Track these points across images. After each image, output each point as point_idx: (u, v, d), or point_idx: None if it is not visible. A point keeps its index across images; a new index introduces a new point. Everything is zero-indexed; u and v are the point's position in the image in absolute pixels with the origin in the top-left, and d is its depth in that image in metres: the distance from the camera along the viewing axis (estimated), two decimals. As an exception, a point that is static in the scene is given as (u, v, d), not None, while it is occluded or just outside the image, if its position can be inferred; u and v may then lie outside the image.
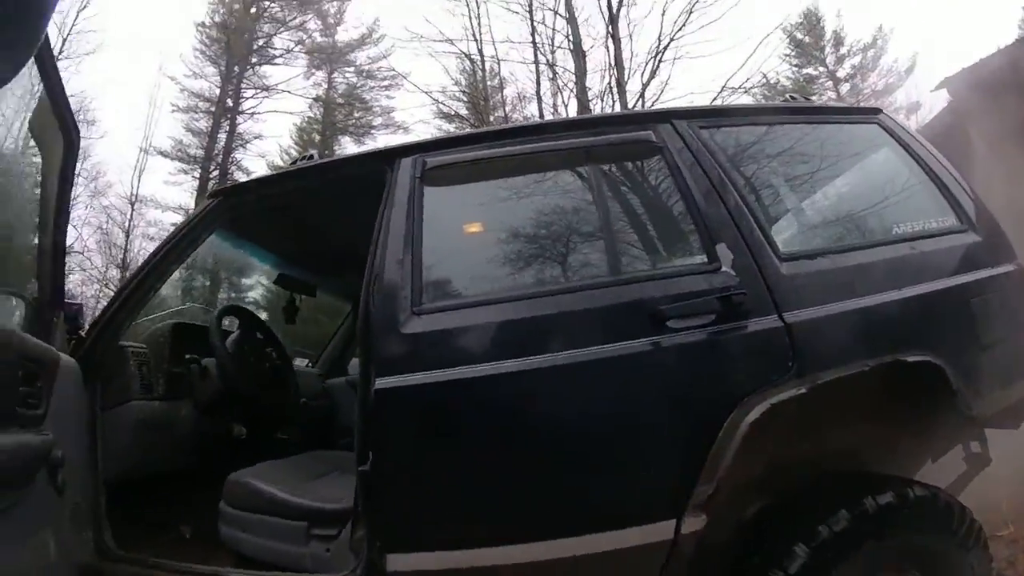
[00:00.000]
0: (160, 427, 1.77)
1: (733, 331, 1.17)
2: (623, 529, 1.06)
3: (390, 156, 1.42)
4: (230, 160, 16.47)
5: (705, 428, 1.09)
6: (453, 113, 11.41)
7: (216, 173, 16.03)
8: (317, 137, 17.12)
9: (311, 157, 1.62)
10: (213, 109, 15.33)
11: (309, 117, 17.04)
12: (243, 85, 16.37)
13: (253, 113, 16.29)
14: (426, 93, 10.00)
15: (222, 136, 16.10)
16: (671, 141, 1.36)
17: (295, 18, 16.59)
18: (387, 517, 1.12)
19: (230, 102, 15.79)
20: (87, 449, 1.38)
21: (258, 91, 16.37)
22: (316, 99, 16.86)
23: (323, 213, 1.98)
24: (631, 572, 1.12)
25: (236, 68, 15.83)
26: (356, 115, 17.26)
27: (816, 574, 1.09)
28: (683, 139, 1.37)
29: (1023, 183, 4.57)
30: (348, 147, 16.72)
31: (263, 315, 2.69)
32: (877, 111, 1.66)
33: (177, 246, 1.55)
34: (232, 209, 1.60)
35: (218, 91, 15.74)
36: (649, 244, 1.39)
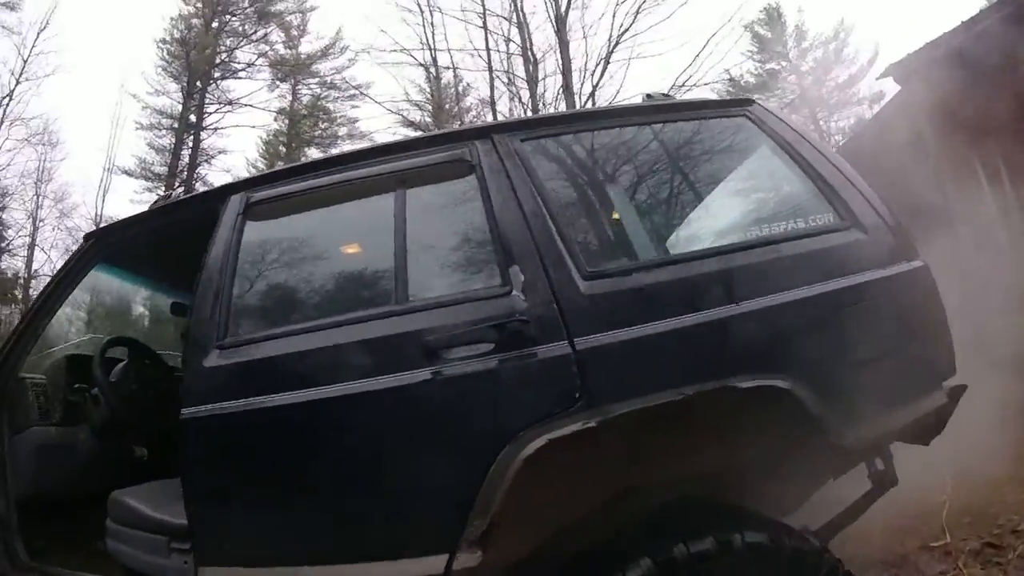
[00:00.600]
0: (61, 450, 1.90)
1: (511, 360, 1.10)
2: (397, 560, 1.06)
3: (223, 193, 1.49)
4: (195, 176, 16.32)
5: (478, 463, 1.05)
6: (417, 122, 11.50)
7: (181, 189, 15.86)
8: (283, 149, 17.08)
9: (168, 196, 1.75)
10: (176, 125, 15.18)
11: (274, 130, 17.02)
12: (206, 100, 16.22)
13: (216, 128, 16.16)
14: (379, 103, 10.02)
15: (186, 152, 15.97)
16: (487, 158, 1.34)
17: (257, 31, 16.49)
18: (198, 533, 1.19)
19: (193, 118, 15.63)
20: None
21: (221, 105, 16.23)
22: (280, 111, 16.78)
23: (184, 246, 2.07)
24: None
25: (198, 83, 15.67)
26: (321, 126, 17.25)
27: None
28: (499, 155, 1.34)
29: (966, 169, 4.72)
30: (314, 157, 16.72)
31: (161, 341, 2.73)
32: (748, 102, 1.54)
33: (59, 286, 1.69)
34: (107, 248, 1.73)
35: (180, 107, 15.60)
36: (449, 270, 1.36)
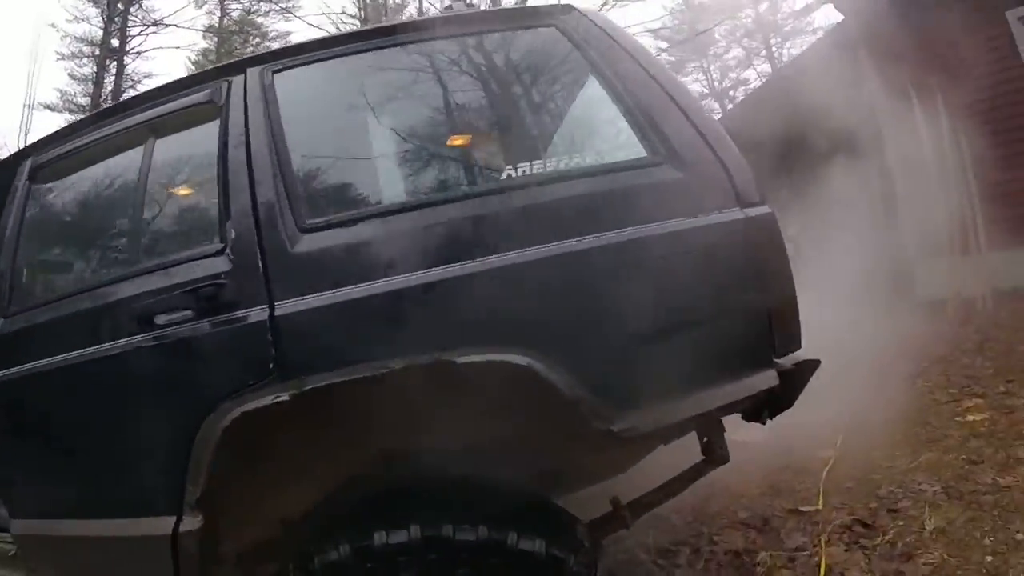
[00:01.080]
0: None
1: (212, 327, 1.03)
2: (138, 519, 1.07)
3: (18, 159, 1.43)
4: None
5: (186, 432, 1.01)
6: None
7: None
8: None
9: None
10: (97, 52, 13.71)
11: (203, 48, 15.59)
12: (128, 23, 14.59)
13: (140, 52, 14.71)
14: (303, 20, 9.07)
15: (110, 80, 14.59)
16: (234, 97, 1.18)
17: (180, -59, 14.48)
18: (3, 489, 1.26)
19: (115, 42, 14.10)
20: None
21: (146, 27, 14.65)
22: (208, 29, 15.27)
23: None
24: (151, 560, 1.07)
25: (119, 5, 13.99)
26: (253, 42, 15.84)
27: None
28: (246, 92, 1.18)
29: (901, 99, 4.57)
30: None
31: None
32: (563, 9, 1.26)
33: None
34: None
35: (101, 32, 14.05)
36: (181, 229, 1.28)
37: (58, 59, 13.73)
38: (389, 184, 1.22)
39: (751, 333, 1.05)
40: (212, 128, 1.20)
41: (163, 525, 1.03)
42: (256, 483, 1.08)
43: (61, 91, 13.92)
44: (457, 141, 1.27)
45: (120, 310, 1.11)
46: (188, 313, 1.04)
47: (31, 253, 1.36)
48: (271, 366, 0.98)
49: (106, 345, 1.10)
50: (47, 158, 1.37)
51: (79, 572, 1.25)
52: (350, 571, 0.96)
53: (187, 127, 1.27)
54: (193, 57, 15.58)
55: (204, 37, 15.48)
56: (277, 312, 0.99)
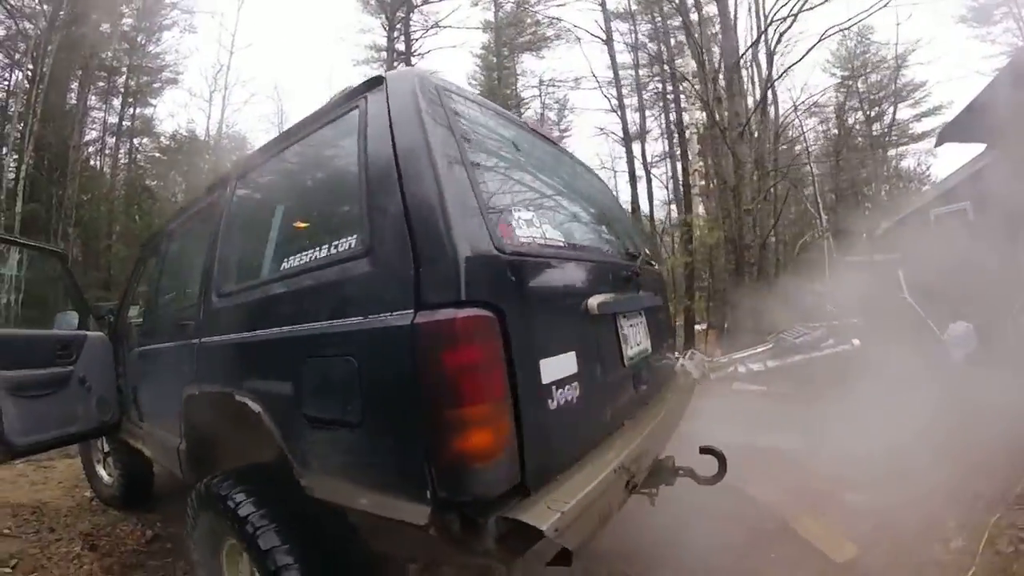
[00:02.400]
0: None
1: None
2: None
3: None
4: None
5: None
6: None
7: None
8: (494, 59, 18.61)
9: None
10: (384, 56, 17.99)
11: (483, 43, 18.38)
12: (411, 28, 18.45)
13: (422, 54, 18.43)
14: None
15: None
16: None
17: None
18: None
19: (400, 46, 18.17)
20: (110, 374, 2.73)
21: (426, 30, 18.25)
22: (486, 24, 17.66)
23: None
24: None
25: (398, 13, 17.84)
26: (528, 32, 17.82)
27: None
28: None
29: None
30: (529, 64, 17.74)
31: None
32: (373, 83, 1.32)
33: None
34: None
35: (385, 39, 18.18)
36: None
37: (354, 65, 18.52)
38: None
39: (401, 456, 1.04)
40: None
41: None
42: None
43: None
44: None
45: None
46: None
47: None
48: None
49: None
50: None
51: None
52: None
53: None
54: (475, 51, 18.33)
55: (483, 30, 18.14)
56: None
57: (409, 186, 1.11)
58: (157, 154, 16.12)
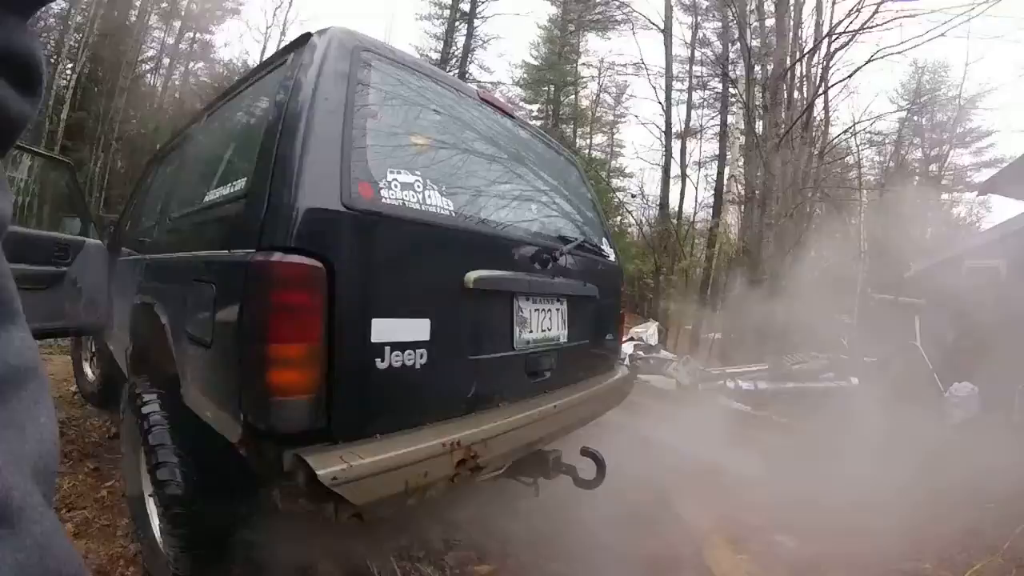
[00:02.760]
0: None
1: None
2: None
3: None
4: (468, 60, 19.22)
5: None
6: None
7: (455, 73, 19.20)
8: (557, 32, 18.20)
9: None
10: (448, 14, 17.86)
11: (549, 16, 18.04)
12: (477, -12, 18.20)
13: (484, 16, 18.21)
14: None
15: (461, 40, 18.79)
16: None
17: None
18: None
19: (465, 6, 17.96)
20: (103, 279, 2.95)
21: (494, -7, 17.97)
22: None
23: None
24: None
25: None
26: (596, 12, 17.30)
27: None
28: None
29: None
30: (593, 44, 17.41)
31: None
32: (303, 40, 1.36)
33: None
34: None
35: (451, -3, 18.01)
36: None
37: (416, 19, 18.49)
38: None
39: (229, 378, 1.15)
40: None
41: None
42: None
43: (417, 47, 18.85)
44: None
45: None
46: None
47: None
48: None
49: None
50: None
51: None
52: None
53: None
54: (540, 22, 18.12)
55: (552, 3, 17.84)
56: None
57: (284, 139, 1.17)
58: (208, 80, 16.77)
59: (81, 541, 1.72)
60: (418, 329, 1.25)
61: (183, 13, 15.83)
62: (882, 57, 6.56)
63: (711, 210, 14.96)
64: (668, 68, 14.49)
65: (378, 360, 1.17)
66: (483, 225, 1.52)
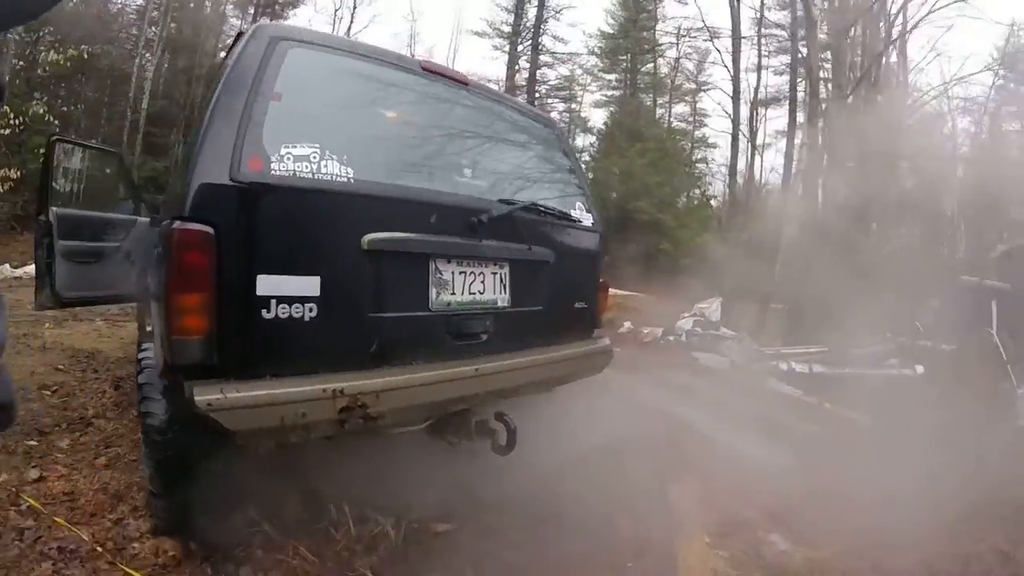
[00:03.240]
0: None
1: None
2: None
3: None
4: (541, 31, 18.86)
5: None
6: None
7: (528, 45, 18.95)
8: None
9: None
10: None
11: None
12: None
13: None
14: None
15: (532, 10, 18.45)
16: None
17: None
18: None
19: (538, -23, 17.49)
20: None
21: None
22: None
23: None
24: None
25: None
26: None
27: None
28: None
29: None
30: (671, 9, 16.47)
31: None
32: (246, 32, 1.58)
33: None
34: None
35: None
36: None
37: None
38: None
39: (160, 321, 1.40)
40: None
41: None
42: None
43: (488, 21, 18.82)
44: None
45: None
46: None
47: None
48: None
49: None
50: None
51: None
52: None
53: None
54: None
55: None
56: None
57: (199, 123, 1.43)
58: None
59: (108, 471, 2.15)
60: (307, 286, 1.42)
61: (256, 2, 17.14)
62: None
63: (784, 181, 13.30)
64: (735, 30, 12.96)
65: (264, 310, 1.36)
66: (393, 189, 1.62)
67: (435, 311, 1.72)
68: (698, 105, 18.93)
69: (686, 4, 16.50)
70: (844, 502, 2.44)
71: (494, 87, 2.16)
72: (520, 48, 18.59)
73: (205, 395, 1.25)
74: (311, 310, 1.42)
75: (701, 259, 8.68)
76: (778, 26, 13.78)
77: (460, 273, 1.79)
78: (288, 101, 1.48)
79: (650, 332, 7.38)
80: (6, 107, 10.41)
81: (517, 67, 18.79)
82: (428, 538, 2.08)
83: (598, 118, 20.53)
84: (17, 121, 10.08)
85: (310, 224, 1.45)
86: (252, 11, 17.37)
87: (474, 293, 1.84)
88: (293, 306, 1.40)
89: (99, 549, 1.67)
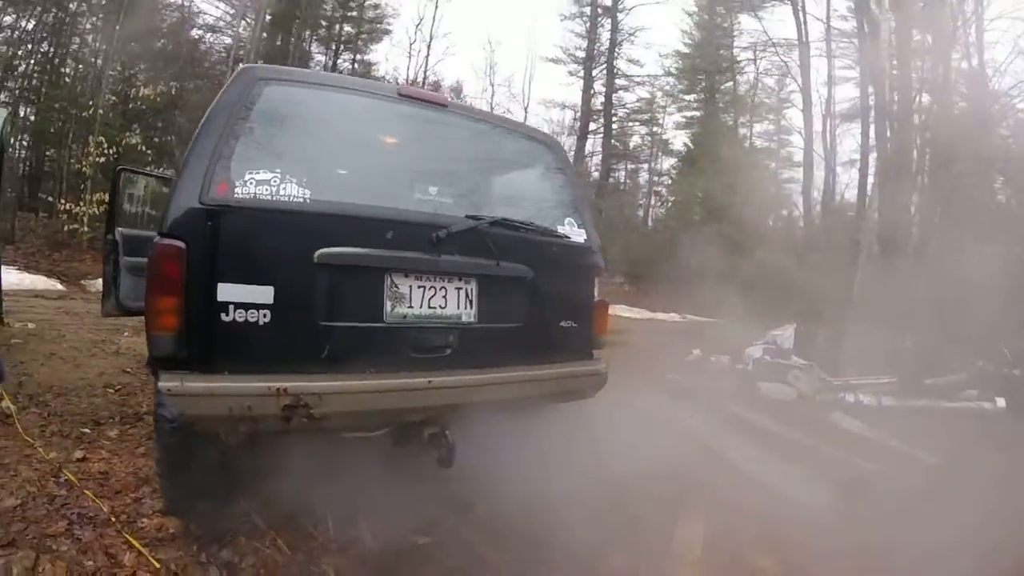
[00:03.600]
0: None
1: None
2: None
3: None
4: (616, 54, 18.97)
5: None
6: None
7: (603, 69, 19.12)
8: (706, 17, 16.97)
9: None
10: (588, 11, 17.91)
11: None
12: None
13: (626, 9, 17.77)
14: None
15: (605, 34, 18.67)
16: None
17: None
18: None
19: (607, 2, 17.76)
20: None
21: (637, -15, 17.47)
22: None
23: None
24: None
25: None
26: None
27: None
28: None
29: None
30: (747, 24, 16.06)
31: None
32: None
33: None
34: None
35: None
36: None
37: (560, 19, 18.85)
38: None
39: None
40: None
41: None
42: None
43: (562, 47, 19.28)
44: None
45: None
46: None
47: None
48: None
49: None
50: None
51: None
52: None
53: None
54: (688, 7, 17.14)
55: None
56: None
57: (186, 153, 1.68)
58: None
59: (144, 459, 2.49)
60: (262, 294, 1.60)
61: (341, 37, 18.87)
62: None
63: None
64: (800, 36, 11.94)
65: (223, 314, 1.56)
66: (349, 207, 1.77)
67: (390, 323, 1.82)
68: (782, 123, 17.77)
69: (762, 19, 15.76)
70: (883, 560, 2.06)
71: (482, 108, 2.27)
72: (595, 72, 18.85)
73: (167, 382, 1.47)
74: (265, 316, 1.60)
75: (779, 283, 8.02)
76: (845, 35, 12.58)
77: (419, 287, 1.88)
78: (258, 132, 1.71)
79: (717, 360, 6.95)
80: (101, 137, 12.76)
81: (592, 91, 19.01)
82: (405, 548, 2.13)
83: (680, 140, 20.07)
84: (112, 151, 12.19)
85: (266, 239, 1.64)
86: (334, 47, 19.33)
87: (434, 307, 1.92)
88: (249, 311, 1.58)
89: (113, 519, 1.96)
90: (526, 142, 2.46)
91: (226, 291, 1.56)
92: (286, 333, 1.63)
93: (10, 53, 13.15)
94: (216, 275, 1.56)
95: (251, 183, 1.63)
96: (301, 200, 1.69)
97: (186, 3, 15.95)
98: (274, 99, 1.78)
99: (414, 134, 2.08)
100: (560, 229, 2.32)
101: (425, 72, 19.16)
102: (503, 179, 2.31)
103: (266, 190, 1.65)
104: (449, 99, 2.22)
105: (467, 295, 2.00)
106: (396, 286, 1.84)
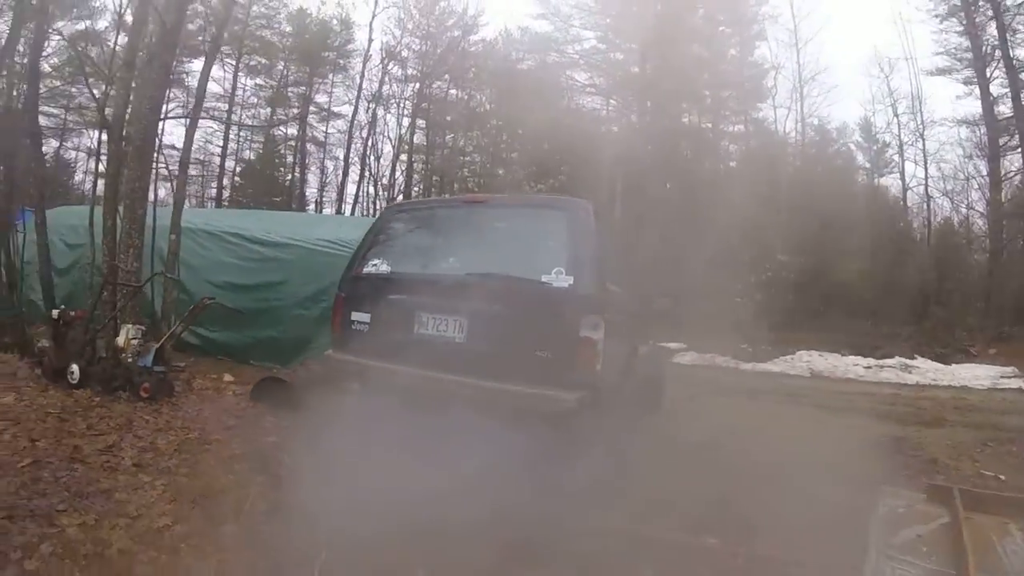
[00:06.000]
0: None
1: None
2: None
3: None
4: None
5: None
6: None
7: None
8: None
9: None
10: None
11: None
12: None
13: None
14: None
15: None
16: None
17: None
18: None
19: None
20: None
21: None
22: None
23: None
24: None
25: None
26: None
27: None
28: None
29: None
30: None
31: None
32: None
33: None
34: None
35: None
36: None
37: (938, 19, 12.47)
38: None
39: None
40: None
41: None
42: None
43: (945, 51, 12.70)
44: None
45: None
46: None
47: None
48: None
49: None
50: None
51: None
52: None
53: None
54: None
55: None
56: None
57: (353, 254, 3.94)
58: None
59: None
60: (367, 316, 3.54)
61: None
62: None
63: None
64: None
65: (354, 324, 3.61)
66: (402, 274, 3.47)
67: (416, 334, 3.35)
68: None
69: None
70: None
71: (510, 196, 3.43)
72: (989, 73, 12.12)
73: (330, 352, 3.66)
74: (367, 326, 3.53)
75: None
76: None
77: (431, 319, 3.32)
78: (381, 239, 3.72)
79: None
80: None
81: (992, 97, 12.80)
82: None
83: None
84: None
85: (369, 289, 3.58)
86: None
87: (442, 331, 3.29)
88: (363, 324, 3.56)
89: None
90: (546, 210, 3.41)
91: (356, 315, 3.60)
92: (376, 336, 3.49)
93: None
94: (354, 308, 3.63)
95: (372, 265, 3.65)
96: (384, 271, 3.55)
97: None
98: (390, 219, 3.76)
99: (457, 224, 3.56)
100: (544, 277, 3.10)
101: (801, 116, 18.00)
102: (512, 243, 3.35)
103: (375, 267, 3.61)
104: (490, 197, 3.55)
105: (459, 324, 3.24)
106: (419, 316, 3.36)
